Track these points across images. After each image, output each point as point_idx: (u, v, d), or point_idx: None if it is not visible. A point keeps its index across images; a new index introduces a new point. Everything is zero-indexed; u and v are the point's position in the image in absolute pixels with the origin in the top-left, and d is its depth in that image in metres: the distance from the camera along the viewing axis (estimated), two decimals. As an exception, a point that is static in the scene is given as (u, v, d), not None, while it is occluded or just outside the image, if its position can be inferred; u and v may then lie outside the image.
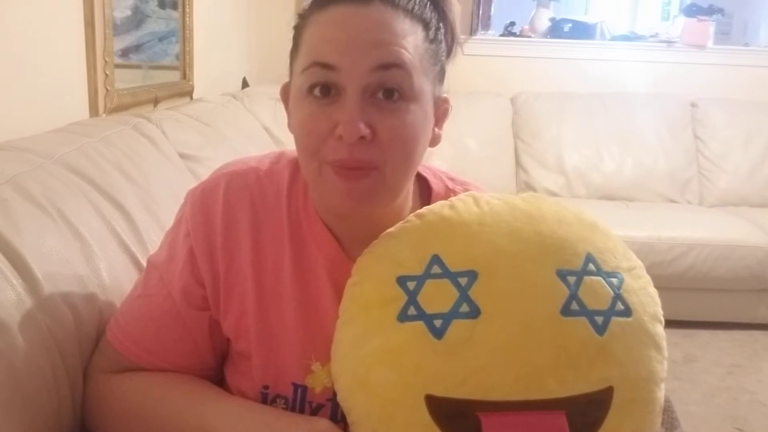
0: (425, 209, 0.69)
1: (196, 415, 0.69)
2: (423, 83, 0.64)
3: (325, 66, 0.62)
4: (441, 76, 0.69)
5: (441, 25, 0.68)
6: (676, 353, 2.32)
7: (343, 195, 0.64)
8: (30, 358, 0.67)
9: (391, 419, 0.60)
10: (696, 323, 2.49)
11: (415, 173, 0.71)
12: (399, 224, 0.69)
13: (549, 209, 0.68)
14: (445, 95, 0.70)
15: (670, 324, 0.67)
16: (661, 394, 0.64)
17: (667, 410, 0.82)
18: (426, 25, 0.65)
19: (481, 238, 0.63)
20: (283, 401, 0.73)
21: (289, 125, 0.71)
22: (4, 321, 0.65)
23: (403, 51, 0.62)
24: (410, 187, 0.74)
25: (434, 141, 0.70)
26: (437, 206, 0.69)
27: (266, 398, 0.73)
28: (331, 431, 0.64)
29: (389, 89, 0.62)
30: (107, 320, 0.78)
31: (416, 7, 0.64)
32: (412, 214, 0.69)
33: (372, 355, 0.61)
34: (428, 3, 0.66)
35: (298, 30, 0.67)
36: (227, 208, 0.72)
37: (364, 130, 0.61)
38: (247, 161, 0.77)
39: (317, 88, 0.63)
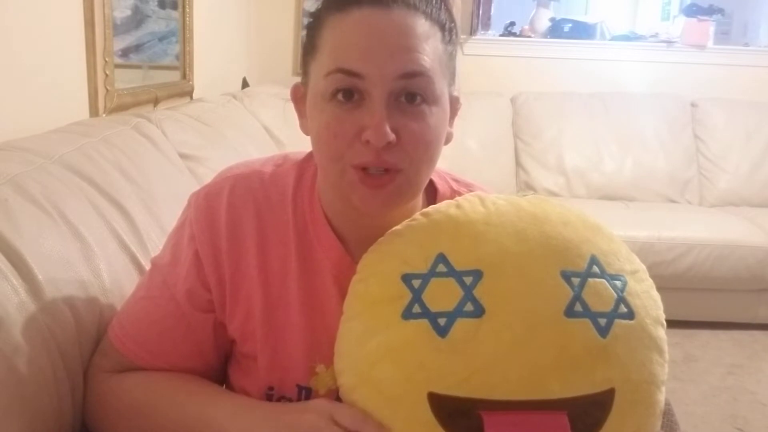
0: (431, 208, 0.69)
1: (197, 408, 0.69)
2: (442, 86, 0.65)
3: (350, 73, 0.61)
4: (453, 75, 0.69)
5: (453, 26, 0.68)
6: (677, 353, 2.32)
7: (367, 198, 0.64)
8: (30, 359, 0.67)
9: (394, 416, 0.60)
10: (696, 323, 2.49)
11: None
12: (405, 222, 0.69)
13: (553, 211, 0.67)
14: (456, 94, 0.70)
15: (670, 324, 0.67)
16: (662, 396, 0.64)
17: (667, 413, 0.82)
18: (442, 27, 0.66)
19: (486, 237, 0.63)
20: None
21: (302, 127, 0.70)
22: (5, 321, 0.65)
23: (425, 57, 0.62)
24: None
25: (447, 139, 0.70)
26: (443, 205, 0.69)
27: (271, 399, 0.73)
28: (326, 406, 0.63)
29: (412, 93, 0.63)
30: (107, 320, 0.78)
31: (433, 10, 0.65)
32: (418, 213, 0.69)
33: (375, 352, 0.61)
34: (442, 5, 0.66)
35: (314, 30, 0.67)
36: (232, 211, 0.72)
37: (391, 135, 0.61)
38: (250, 164, 0.76)
39: (340, 93, 0.63)
